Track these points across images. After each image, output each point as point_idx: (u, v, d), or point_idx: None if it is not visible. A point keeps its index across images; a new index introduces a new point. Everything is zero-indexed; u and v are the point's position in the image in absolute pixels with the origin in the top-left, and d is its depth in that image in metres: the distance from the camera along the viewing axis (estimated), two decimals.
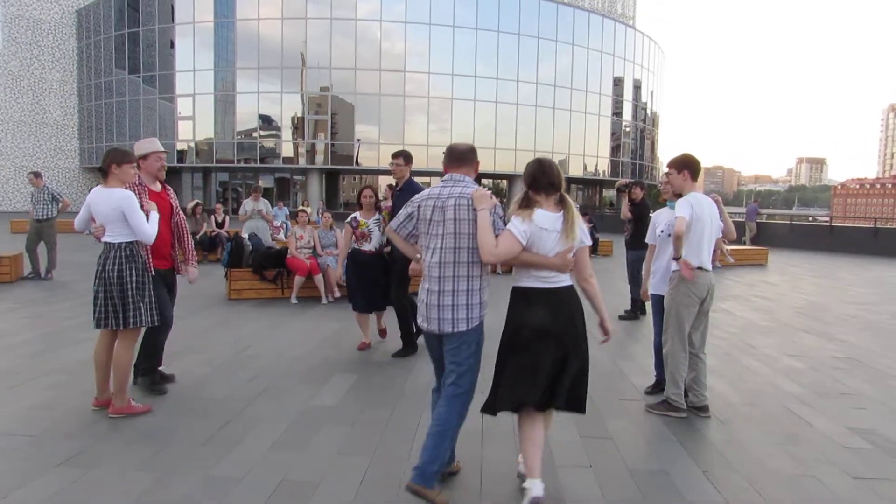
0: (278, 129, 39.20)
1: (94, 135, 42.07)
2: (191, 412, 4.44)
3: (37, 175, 11.22)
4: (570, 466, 3.68)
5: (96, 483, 3.32)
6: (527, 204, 3.16)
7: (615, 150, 46.48)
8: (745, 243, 22.40)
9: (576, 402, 3.23)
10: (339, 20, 37.11)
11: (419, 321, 3.33)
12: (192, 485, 3.32)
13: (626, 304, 8.75)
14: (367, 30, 37.74)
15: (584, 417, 4.49)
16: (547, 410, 3.21)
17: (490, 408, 3.20)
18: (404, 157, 6.04)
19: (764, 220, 27.40)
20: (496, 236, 3.08)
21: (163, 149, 4.87)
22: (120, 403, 4.34)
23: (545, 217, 3.11)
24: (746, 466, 3.73)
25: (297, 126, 38.61)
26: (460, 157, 3.37)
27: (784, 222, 26.77)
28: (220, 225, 14.22)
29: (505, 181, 43.59)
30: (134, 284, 4.29)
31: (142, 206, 4.37)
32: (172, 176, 44.30)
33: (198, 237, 13.75)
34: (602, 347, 6.70)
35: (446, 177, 3.38)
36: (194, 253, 5.27)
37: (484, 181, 45.33)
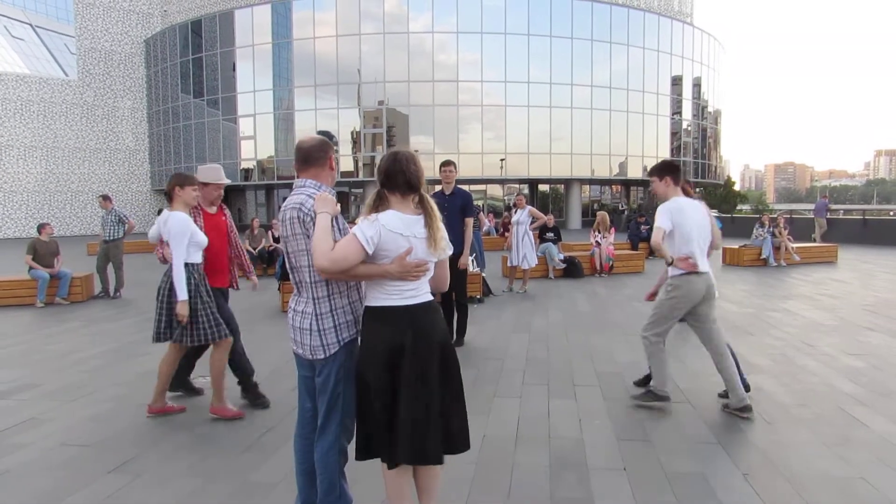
0: (336, 143, 39.99)
1: (164, 158, 43.87)
2: (237, 421, 4.59)
3: (105, 198, 11.81)
4: (603, 469, 3.63)
5: (142, 489, 3.48)
6: (378, 205, 2.67)
7: (676, 150, 45.35)
8: (814, 240, 21.50)
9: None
10: (392, 34, 37.63)
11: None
12: (230, 490, 3.44)
13: None
14: (420, 42, 38.15)
15: (624, 420, 4.43)
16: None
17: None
18: (454, 164, 7.38)
19: (839, 217, 26.16)
20: (335, 241, 2.61)
21: (225, 180, 5.04)
22: (158, 405, 4.71)
23: (398, 220, 2.60)
24: (791, 468, 3.59)
25: (355, 140, 39.26)
26: (305, 158, 2.83)
27: (857, 218, 25.51)
28: (277, 240, 14.59)
29: (562, 186, 43.12)
30: (193, 304, 4.53)
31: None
32: (237, 194, 45.80)
33: (255, 252, 14.19)
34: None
35: (294, 182, 2.86)
36: (251, 267, 5.52)
37: (540, 187, 45.08)
